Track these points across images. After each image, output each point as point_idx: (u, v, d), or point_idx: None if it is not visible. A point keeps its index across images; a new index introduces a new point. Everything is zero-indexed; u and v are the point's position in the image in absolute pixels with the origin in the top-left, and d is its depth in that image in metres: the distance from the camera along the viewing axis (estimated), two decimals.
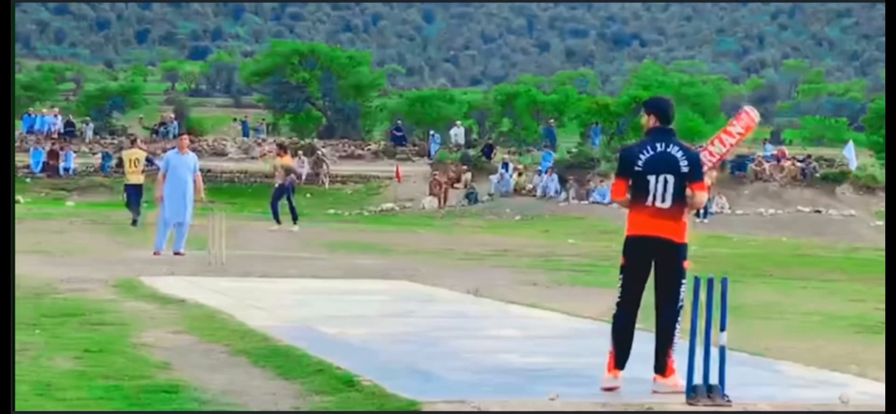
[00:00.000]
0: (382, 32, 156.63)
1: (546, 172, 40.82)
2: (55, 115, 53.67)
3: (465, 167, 42.91)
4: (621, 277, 7.57)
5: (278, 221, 26.84)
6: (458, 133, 54.02)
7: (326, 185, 44.07)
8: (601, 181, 40.30)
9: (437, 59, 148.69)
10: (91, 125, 53.47)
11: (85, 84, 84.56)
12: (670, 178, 7.37)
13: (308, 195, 41.85)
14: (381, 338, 9.84)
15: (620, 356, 7.54)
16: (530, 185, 40.61)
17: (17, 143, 42.20)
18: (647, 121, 7.61)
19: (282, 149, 29.61)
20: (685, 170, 7.37)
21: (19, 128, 49.75)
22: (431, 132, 53.98)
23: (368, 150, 53.18)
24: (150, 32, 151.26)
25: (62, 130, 51.55)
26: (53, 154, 44.55)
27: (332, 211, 38.47)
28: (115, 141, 51.34)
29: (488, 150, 47.87)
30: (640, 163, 7.45)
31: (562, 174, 40.45)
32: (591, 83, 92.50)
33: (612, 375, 7.51)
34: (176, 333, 9.94)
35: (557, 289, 15.30)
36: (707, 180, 7.73)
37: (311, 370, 7.94)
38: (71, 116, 54.98)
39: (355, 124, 58.87)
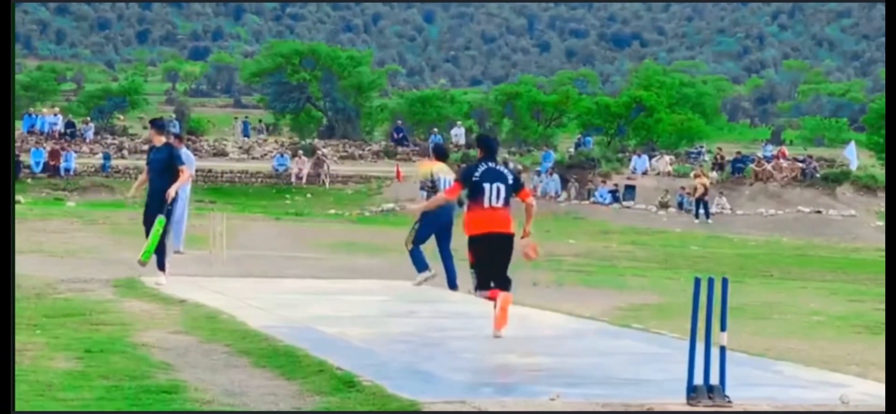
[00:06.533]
0: (382, 32, 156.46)
1: (546, 172, 40.81)
2: (56, 115, 53.57)
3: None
4: None
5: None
6: (458, 133, 53.99)
7: (327, 186, 44.06)
8: (603, 181, 40.34)
9: (438, 59, 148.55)
10: (92, 125, 53.39)
11: (85, 84, 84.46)
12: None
13: (308, 195, 41.91)
14: (381, 338, 9.82)
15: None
16: (530, 185, 40.61)
17: (17, 143, 42.16)
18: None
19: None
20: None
21: (19, 128, 49.64)
22: (435, 130, 53.93)
23: (369, 150, 53.15)
24: (150, 32, 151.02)
25: (63, 130, 51.45)
26: (54, 154, 44.49)
27: (332, 211, 38.46)
28: (116, 141, 51.31)
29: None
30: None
31: (562, 174, 40.45)
32: (591, 83, 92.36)
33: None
34: (176, 333, 9.93)
35: (557, 289, 15.30)
36: None
37: (311, 370, 7.93)
38: (71, 117, 54.91)
39: (356, 125, 58.78)
